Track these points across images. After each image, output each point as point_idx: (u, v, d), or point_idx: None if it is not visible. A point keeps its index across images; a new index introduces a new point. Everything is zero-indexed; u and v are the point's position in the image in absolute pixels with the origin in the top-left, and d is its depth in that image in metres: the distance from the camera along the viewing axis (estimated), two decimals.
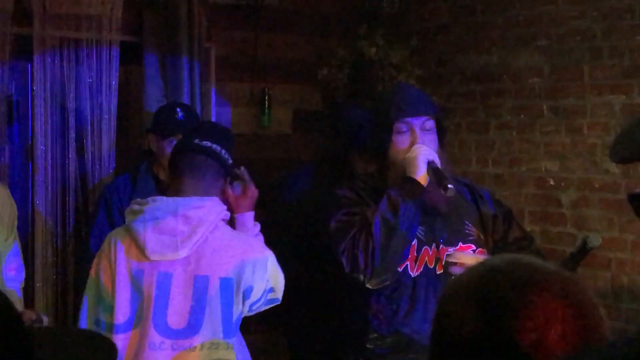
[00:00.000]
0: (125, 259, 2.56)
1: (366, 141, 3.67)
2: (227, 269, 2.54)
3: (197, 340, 2.53)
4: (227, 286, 2.54)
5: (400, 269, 2.83)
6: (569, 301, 1.14)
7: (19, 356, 1.02)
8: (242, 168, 2.89)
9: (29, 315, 2.48)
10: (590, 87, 3.96)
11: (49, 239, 3.81)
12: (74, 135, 3.89)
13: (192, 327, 2.53)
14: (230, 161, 2.71)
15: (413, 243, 2.84)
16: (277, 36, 4.61)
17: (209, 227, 2.55)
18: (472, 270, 1.23)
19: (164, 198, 2.63)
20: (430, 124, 2.89)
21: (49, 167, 3.82)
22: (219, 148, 2.66)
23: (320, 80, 4.64)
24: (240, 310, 2.60)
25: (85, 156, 3.91)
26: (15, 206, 3.19)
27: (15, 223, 3.18)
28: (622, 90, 3.84)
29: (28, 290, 3.63)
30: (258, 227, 2.91)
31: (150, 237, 2.53)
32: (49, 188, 3.82)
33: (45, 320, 2.60)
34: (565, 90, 4.05)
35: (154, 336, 2.52)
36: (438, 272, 2.88)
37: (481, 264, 1.24)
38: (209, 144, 2.65)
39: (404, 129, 2.86)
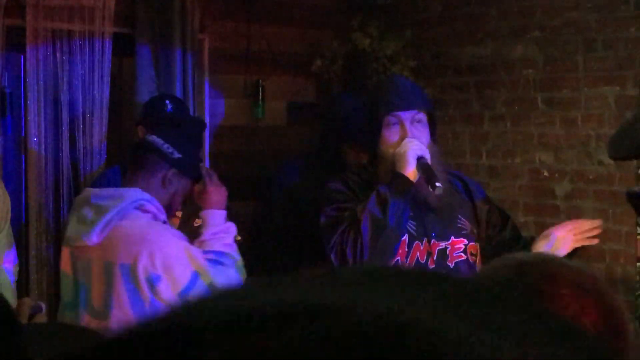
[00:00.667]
0: (67, 247, 2.86)
1: (357, 132, 3.65)
2: (125, 256, 2.67)
3: (111, 324, 2.72)
4: (127, 273, 2.67)
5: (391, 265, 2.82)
6: (598, 296, 1.17)
7: (13, 353, 1.02)
8: (201, 164, 2.95)
9: (28, 303, 2.51)
10: (585, 78, 3.97)
11: (42, 230, 3.80)
12: (67, 127, 3.88)
13: (106, 310, 2.73)
14: (178, 154, 2.79)
15: (404, 238, 2.82)
16: (271, 28, 4.60)
17: (115, 216, 2.70)
18: (498, 264, 1.24)
19: (87, 189, 2.93)
20: (421, 116, 2.87)
21: (42, 159, 3.81)
22: (161, 142, 2.80)
23: (314, 72, 4.63)
24: (151, 297, 2.67)
25: (78, 148, 3.90)
26: (8, 198, 3.18)
27: (9, 216, 3.17)
28: (617, 82, 3.85)
29: (22, 282, 3.62)
30: (226, 227, 2.87)
31: (70, 226, 2.81)
32: (43, 180, 3.81)
33: (44, 308, 2.65)
34: (559, 82, 4.05)
35: (84, 316, 2.78)
36: (430, 267, 2.87)
37: (507, 258, 1.25)
38: (152, 138, 2.84)
39: (394, 122, 2.85)
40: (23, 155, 3.91)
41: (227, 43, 4.47)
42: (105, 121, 3.95)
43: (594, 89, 3.92)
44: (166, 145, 2.79)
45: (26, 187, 3.85)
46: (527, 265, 1.20)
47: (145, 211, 2.74)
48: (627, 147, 1.13)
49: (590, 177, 3.92)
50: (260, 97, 4.55)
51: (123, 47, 4.07)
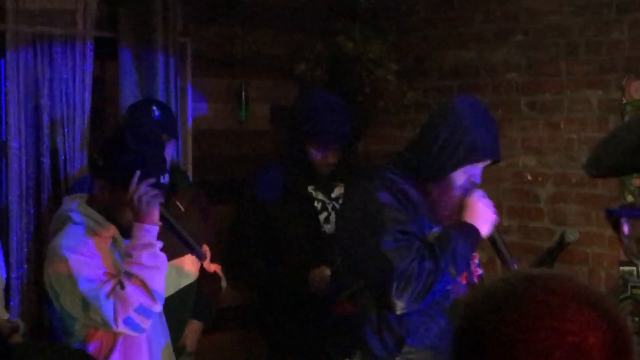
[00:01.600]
0: None
1: (325, 130, 3.59)
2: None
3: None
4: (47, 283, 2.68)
5: None
6: (603, 311, 1.18)
7: None
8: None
9: (5, 325, 2.50)
10: (567, 82, 3.98)
11: (23, 236, 3.77)
12: (48, 132, 3.84)
13: None
14: (101, 161, 2.66)
15: None
16: (254, 31, 4.58)
17: (54, 226, 2.71)
18: (508, 277, 1.26)
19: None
20: None
21: (23, 164, 3.77)
22: (97, 151, 2.75)
23: (297, 76, 4.62)
24: (57, 305, 2.63)
25: (60, 152, 3.87)
26: None
27: None
28: (599, 85, 3.86)
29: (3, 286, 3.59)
30: (143, 243, 2.60)
31: None
32: (23, 185, 3.77)
33: (21, 327, 2.62)
34: (542, 86, 4.06)
35: None
36: (463, 282, 2.87)
37: (513, 273, 1.28)
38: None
39: (476, 166, 2.82)
40: (4, 160, 3.87)
41: (210, 46, 4.45)
42: (87, 125, 3.92)
43: (577, 92, 3.93)
44: (95, 155, 2.73)
45: (7, 193, 3.81)
46: (534, 279, 1.22)
47: (74, 222, 2.64)
48: (604, 165, 1.14)
49: (574, 180, 3.93)
50: (243, 101, 4.52)
51: (105, 51, 4.03)
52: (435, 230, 2.80)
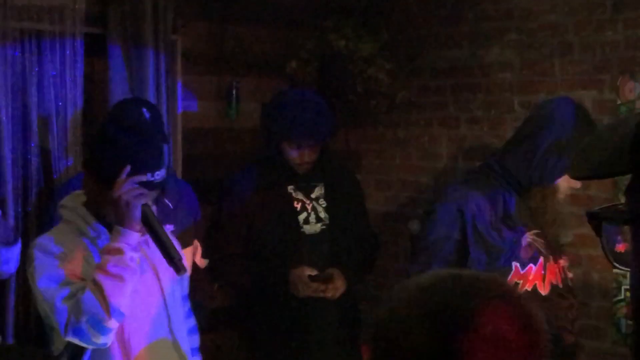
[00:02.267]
0: None
1: (296, 126, 3.52)
2: None
3: None
4: None
5: (529, 289, 2.87)
6: (513, 301, 1.19)
7: None
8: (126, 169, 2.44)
9: None
10: (561, 82, 3.96)
11: None
12: (37, 130, 3.79)
13: None
14: (87, 155, 2.53)
15: (540, 260, 2.87)
16: (245, 29, 4.54)
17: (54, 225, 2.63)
18: (418, 280, 1.25)
19: None
20: None
21: (10, 162, 3.72)
22: (85, 144, 2.66)
23: (288, 74, 4.58)
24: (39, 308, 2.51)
25: (50, 151, 3.81)
26: None
27: None
28: (593, 85, 3.84)
29: None
30: (117, 247, 2.40)
31: None
32: (10, 183, 3.72)
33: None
34: (535, 85, 4.04)
35: None
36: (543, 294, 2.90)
37: (426, 274, 1.27)
38: None
39: None
40: None
41: (200, 44, 4.41)
42: (78, 123, 3.86)
43: (571, 92, 3.90)
44: (84, 147, 2.62)
45: None
46: (441, 282, 1.21)
47: (64, 221, 2.53)
48: (586, 168, 1.12)
49: None
50: (234, 99, 4.49)
51: (95, 48, 3.98)
52: (522, 235, 2.83)
